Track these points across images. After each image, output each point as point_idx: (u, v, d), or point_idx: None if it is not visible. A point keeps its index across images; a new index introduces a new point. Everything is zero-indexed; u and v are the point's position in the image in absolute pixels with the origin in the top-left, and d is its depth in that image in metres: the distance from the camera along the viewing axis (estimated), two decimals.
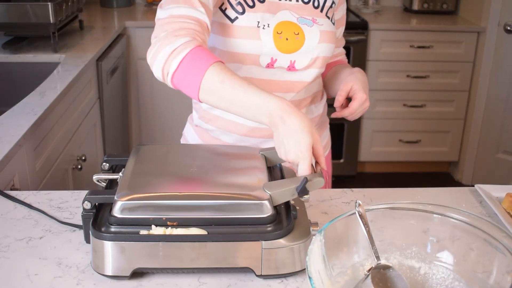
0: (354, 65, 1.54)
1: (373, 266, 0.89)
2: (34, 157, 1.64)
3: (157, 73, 1.09)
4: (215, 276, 0.95)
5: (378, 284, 0.86)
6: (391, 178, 3.46)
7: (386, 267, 0.90)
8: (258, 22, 1.23)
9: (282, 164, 1.12)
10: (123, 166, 1.05)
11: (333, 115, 1.31)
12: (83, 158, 2.12)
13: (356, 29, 3.15)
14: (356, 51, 3.18)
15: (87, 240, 0.99)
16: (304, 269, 0.95)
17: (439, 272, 0.94)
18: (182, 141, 1.49)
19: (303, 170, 0.96)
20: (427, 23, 3.29)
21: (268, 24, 1.24)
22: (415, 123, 3.43)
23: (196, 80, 1.04)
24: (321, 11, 1.29)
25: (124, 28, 3.07)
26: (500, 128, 3.28)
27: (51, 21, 2.28)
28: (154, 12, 3.40)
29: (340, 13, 1.40)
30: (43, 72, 2.16)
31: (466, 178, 3.49)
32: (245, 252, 0.92)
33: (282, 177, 1.07)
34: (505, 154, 3.31)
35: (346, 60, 1.52)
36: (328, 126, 1.50)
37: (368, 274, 0.88)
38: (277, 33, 1.24)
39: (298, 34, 1.25)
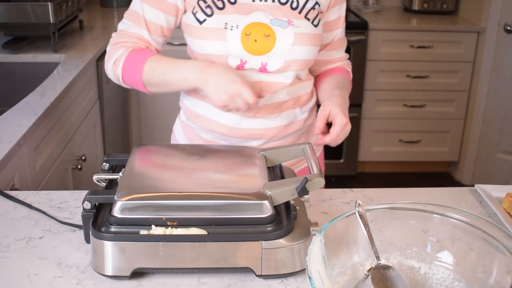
0: (354, 65, 1.53)
1: (373, 266, 0.89)
2: (34, 157, 1.64)
3: (113, 80, 1.34)
4: (215, 276, 0.95)
5: (378, 284, 0.86)
6: (391, 178, 3.46)
7: (386, 267, 0.90)
8: (226, 23, 1.24)
9: (282, 164, 1.13)
10: (123, 166, 1.05)
11: (315, 143, 1.24)
12: (83, 158, 2.12)
13: (356, 29, 3.15)
14: (356, 51, 3.18)
15: (87, 240, 0.99)
16: (304, 269, 0.95)
17: (439, 272, 0.94)
18: (172, 137, 1.50)
19: (246, 98, 1.16)
20: (427, 23, 3.29)
21: (237, 25, 1.23)
22: (415, 123, 3.43)
23: (138, 79, 1.28)
24: (300, 12, 1.26)
25: None
26: (500, 128, 3.28)
27: (51, 21, 2.28)
28: None
29: (335, 14, 1.36)
30: (43, 72, 2.16)
31: (466, 178, 3.49)
32: (245, 252, 0.92)
33: (282, 177, 1.07)
34: (505, 154, 3.31)
35: (347, 67, 1.47)
36: None
37: (368, 274, 0.88)
38: (246, 34, 1.23)
39: (268, 36, 1.24)
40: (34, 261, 0.99)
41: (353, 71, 1.50)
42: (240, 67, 1.26)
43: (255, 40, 1.24)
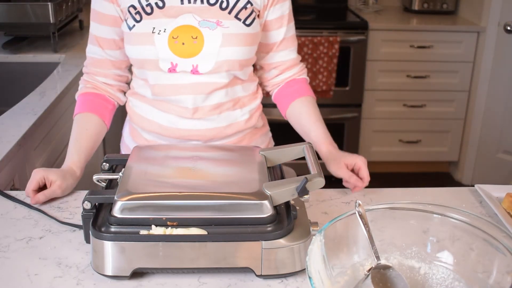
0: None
1: (373, 266, 0.89)
2: (34, 157, 1.64)
3: None
4: (215, 276, 0.95)
5: (378, 284, 0.86)
6: (391, 178, 3.46)
7: (386, 267, 0.90)
8: (154, 28, 1.24)
9: (282, 164, 1.13)
10: (123, 166, 1.05)
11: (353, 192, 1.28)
12: None
13: (356, 29, 3.15)
14: (356, 51, 3.18)
15: (87, 240, 0.99)
16: (304, 269, 0.95)
17: (439, 272, 0.94)
18: (121, 141, 1.52)
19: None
20: (427, 23, 3.29)
21: (165, 29, 1.23)
22: (415, 123, 3.43)
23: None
24: (229, 12, 1.25)
25: None
26: (500, 128, 3.28)
27: (51, 21, 2.28)
28: None
29: (277, 13, 1.33)
30: (43, 72, 2.16)
31: (466, 178, 3.49)
32: (245, 252, 0.92)
33: (282, 177, 1.07)
34: (505, 154, 3.31)
35: (304, 75, 1.43)
36: (264, 132, 1.46)
37: (368, 274, 0.88)
38: (173, 37, 1.23)
39: (196, 38, 1.23)
40: (34, 261, 0.99)
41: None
42: (172, 70, 1.26)
43: (183, 43, 1.24)
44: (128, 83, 1.42)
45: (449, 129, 3.46)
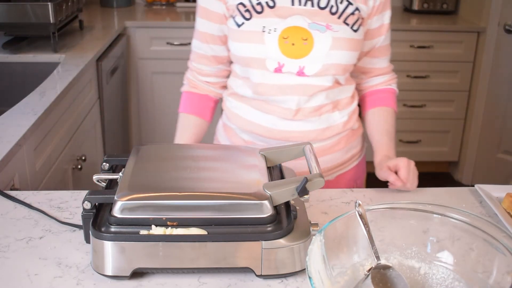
0: None
1: (373, 266, 0.89)
2: (34, 157, 1.64)
3: None
4: (215, 276, 0.95)
5: (378, 284, 0.86)
6: None
7: (386, 267, 0.90)
8: (264, 27, 1.25)
9: (282, 164, 1.13)
10: (123, 166, 1.05)
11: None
12: (83, 158, 2.12)
13: None
14: None
15: (87, 240, 0.99)
16: (304, 269, 0.95)
17: (439, 272, 0.94)
18: (214, 137, 1.55)
19: None
20: (427, 23, 3.29)
21: (275, 29, 1.24)
22: (415, 123, 3.43)
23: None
24: (339, 17, 1.27)
25: (124, 28, 3.07)
26: (500, 128, 3.28)
27: (51, 21, 2.28)
28: (154, 12, 3.41)
29: (378, 22, 1.35)
30: (43, 72, 2.16)
31: (466, 178, 3.49)
32: (245, 252, 0.92)
33: (282, 177, 1.07)
34: (505, 154, 3.31)
35: (393, 85, 1.47)
36: (359, 135, 1.47)
37: (368, 274, 0.88)
38: (283, 38, 1.24)
39: (306, 39, 1.24)
40: (34, 261, 0.99)
41: None
42: (278, 70, 1.27)
43: (293, 44, 1.25)
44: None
45: (449, 129, 3.46)
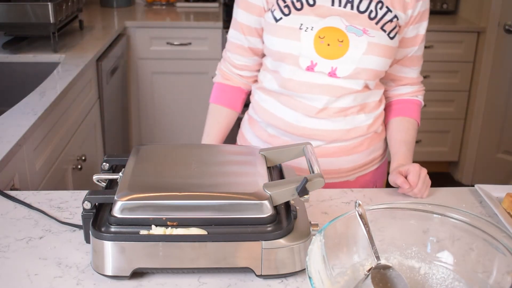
0: None
1: (373, 266, 0.89)
2: (34, 157, 1.64)
3: None
4: (215, 276, 0.95)
5: (378, 284, 0.86)
6: None
7: (386, 267, 0.90)
8: (301, 24, 1.25)
9: (282, 164, 1.13)
10: (123, 166, 1.05)
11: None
12: (83, 158, 2.12)
13: None
14: None
15: (87, 240, 0.99)
16: (304, 269, 0.95)
17: (439, 272, 0.94)
18: (239, 130, 1.56)
19: None
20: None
21: (312, 27, 1.25)
22: None
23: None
24: (377, 23, 1.27)
25: (124, 28, 3.07)
26: (500, 128, 3.28)
27: (51, 21, 2.28)
28: (154, 12, 3.41)
29: (413, 32, 1.36)
30: (43, 72, 2.16)
31: (466, 178, 3.49)
32: (245, 252, 0.92)
33: (282, 177, 1.07)
34: (505, 154, 3.31)
35: (420, 97, 1.49)
36: (382, 138, 1.47)
37: (368, 274, 0.88)
38: (319, 37, 1.25)
39: (342, 41, 1.25)
40: (34, 261, 0.99)
41: None
42: (310, 69, 1.28)
43: (328, 44, 1.25)
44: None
45: (449, 129, 3.46)
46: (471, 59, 3.29)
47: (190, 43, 3.11)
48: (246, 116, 1.52)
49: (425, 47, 3.50)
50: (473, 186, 1.29)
